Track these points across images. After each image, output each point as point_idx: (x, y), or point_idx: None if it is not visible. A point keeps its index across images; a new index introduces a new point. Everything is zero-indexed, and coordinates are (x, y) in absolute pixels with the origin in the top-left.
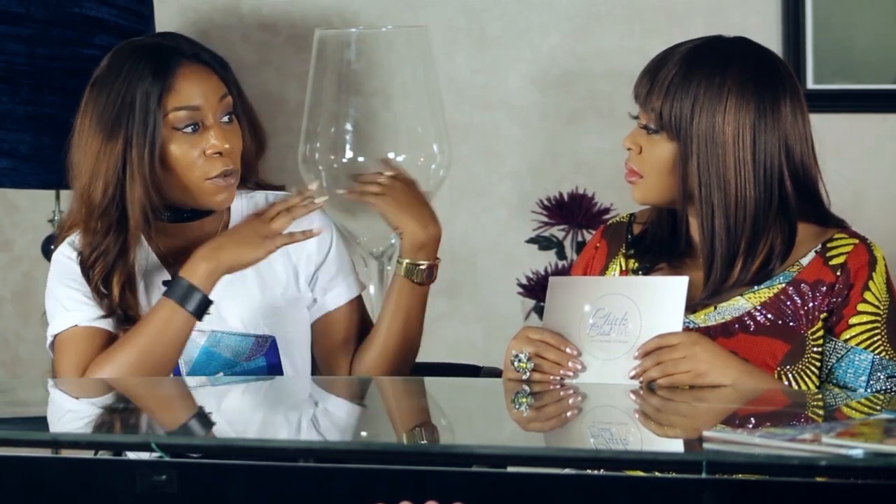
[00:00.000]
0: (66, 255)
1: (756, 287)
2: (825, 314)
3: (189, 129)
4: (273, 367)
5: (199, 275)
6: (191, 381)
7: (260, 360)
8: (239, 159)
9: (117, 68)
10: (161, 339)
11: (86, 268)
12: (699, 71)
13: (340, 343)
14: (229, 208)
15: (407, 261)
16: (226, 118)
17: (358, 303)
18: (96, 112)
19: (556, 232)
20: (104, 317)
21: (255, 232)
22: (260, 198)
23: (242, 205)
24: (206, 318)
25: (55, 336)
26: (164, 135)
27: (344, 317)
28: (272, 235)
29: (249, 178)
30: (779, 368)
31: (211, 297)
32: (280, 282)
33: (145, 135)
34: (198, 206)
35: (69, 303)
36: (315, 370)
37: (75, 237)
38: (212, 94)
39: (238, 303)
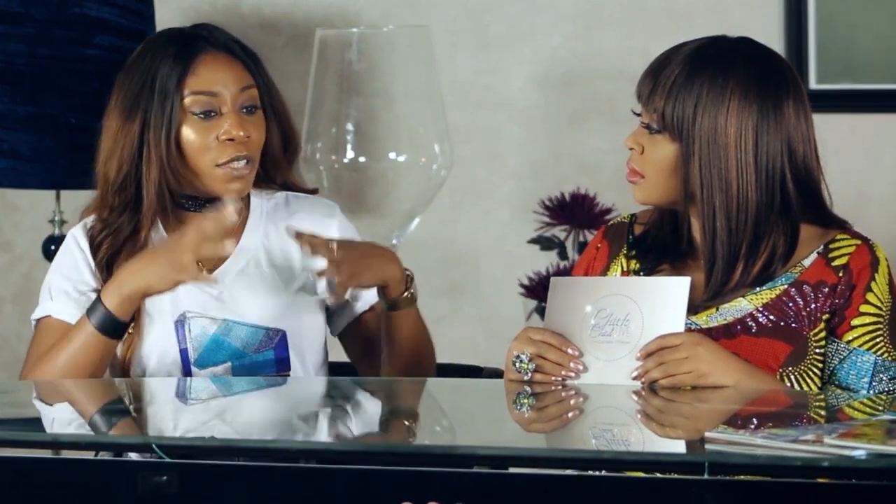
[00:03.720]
0: (75, 238)
1: (758, 288)
2: (827, 315)
3: (203, 116)
4: (281, 361)
5: (115, 301)
6: (193, 381)
7: (268, 352)
8: (258, 151)
9: (144, 54)
10: (83, 357)
11: (95, 244)
12: (702, 72)
13: (374, 343)
14: (248, 205)
15: (394, 300)
16: (246, 109)
17: None
18: (120, 95)
19: (558, 232)
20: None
21: (169, 261)
22: (280, 198)
23: (262, 204)
24: (220, 305)
25: (35, 320)
26: (179, 118)
27: (374, 318)
28: (183, 268)
29: (276, 177)
30: (781, 370)
31: (219, 287)
32: (297, 279)
33: (163, 116)
34: (209, 194)
35: (56, 292)
36: (331, 371)
37: (91, 218)
38: (233, 83)
39: (253, 294)
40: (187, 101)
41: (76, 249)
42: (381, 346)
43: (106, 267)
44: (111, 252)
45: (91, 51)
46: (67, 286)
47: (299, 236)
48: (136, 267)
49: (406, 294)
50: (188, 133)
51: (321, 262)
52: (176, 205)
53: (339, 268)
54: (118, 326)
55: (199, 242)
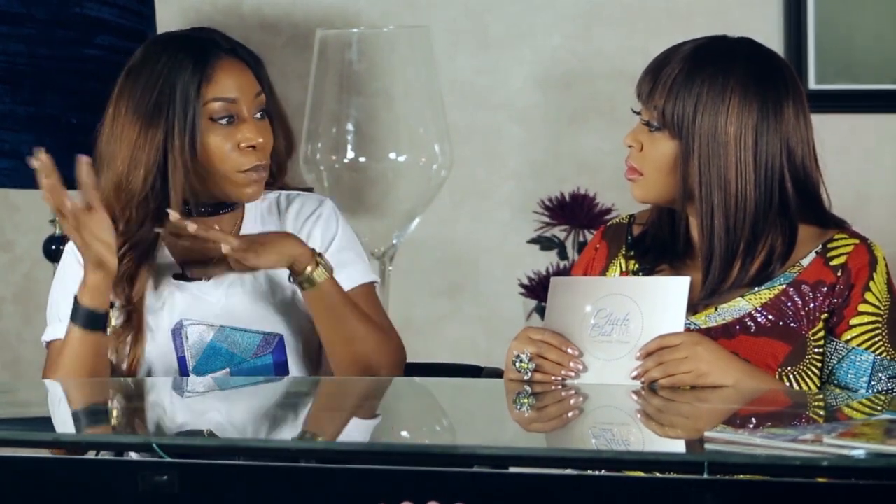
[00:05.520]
0: (76, 255)
1: (757, 288)
2: (826, 315)
3: (224, 121)
4: (279, 365)
5: (86, 296)
6: (192, 381)
7: (267, 357)
8: (269, 156)
9: (155, 59)
10: (79, 357)
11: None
12: (703, 70)
13: None
14: (244, 207)
15: (305, 276)
16: (259, 114)
17: (367, 291)
18: (132, 101)
19: (558, 232)
20: (124, 306)
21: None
22: (273, 198)
23: (257, 206)
24: (216, 312)
25: (47, 342)
26: (202, 125)
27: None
28: (85, 243)
29: (279, 178)
30: (780, 369)
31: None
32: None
33: (185, 124)
34: (227, 199)
35: (63, 311)
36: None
37: None
38: (248, 89)
39: (248, 299)
40: (208, 107)
41: (78, 267)
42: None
43: (128, 280)
44: (136, 265)
45: (91, 51)
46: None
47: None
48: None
49: (311, 268)
50: (210, 140)
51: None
52: (192, 214)
53: (235, 246)
54: (97, 318)
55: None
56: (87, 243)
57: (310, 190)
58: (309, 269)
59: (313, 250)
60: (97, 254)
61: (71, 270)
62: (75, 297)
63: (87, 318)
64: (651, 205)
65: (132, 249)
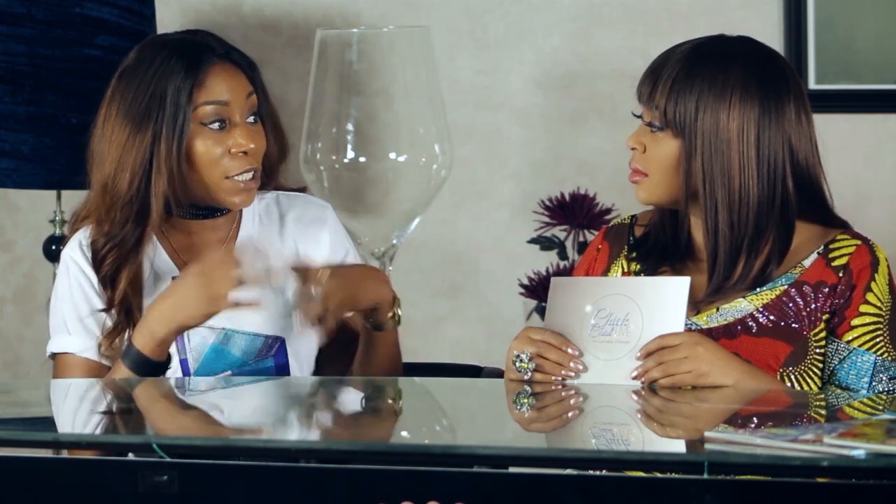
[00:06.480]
0: (76, 262)
1: (758, 289)
2: (827, 315)
3: (216, 126)
4: (281, 368)
5: (150, 346)
6: (192, 381)
7: (268, 360)
8: (261, 160)
9: (147, 61)
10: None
11: (98, 258)
12: (702, 68)
13: (347, 345)
14: (240, 209)
15: (381, 322)
16: (251, 118)
17: None
18: (124, 103)
19: (558, 232)
20: (106, 309)
21: (204, 292)
22: (271, 198)
23: (254, 206)
24: (218, 315)
25: (53, 354)
26: (191, 130)
27: (353, 321)
28: (217, 298)
29: (270, 182)
30: (781, 370)
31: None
32: (292, 284)
33: (174, 128)
34: (216, 205)
35: (71, 323)
36: (318, 369)
37: (85, 232)
38: (240, 92)
39: None
40: (199, 112)
41: (79, 274)
42: (352, 353)
43: (109, 282)
44: (116, 266)
45: (92, 51)
46: (84, 318)
47: (295, 268)
48: (164, 307)
49: (392, 315)
50: (200, 145)
51: (310, 292)
52: (173, 215)
53: (329, 297)
54: (157, 367)
55: (232, 274)
56: (220, 304)
57: (303, 190)
58: (389, 314)
59: (395, 295)
60: (222, 310)
61: (75, 281)
62: (130, 342)
63: (146, 367)
64: (654, 206)
65: (114, 249)
